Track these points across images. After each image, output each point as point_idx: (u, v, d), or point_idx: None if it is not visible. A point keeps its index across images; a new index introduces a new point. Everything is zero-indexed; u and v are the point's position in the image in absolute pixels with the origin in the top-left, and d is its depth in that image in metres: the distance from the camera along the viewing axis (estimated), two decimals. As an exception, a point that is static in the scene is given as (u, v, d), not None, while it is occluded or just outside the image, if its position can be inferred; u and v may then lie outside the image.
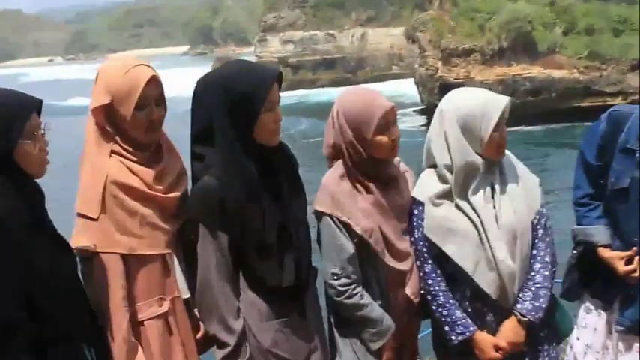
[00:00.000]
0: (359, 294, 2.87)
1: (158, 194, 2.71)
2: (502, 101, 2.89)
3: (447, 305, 2.96)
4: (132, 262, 2.65)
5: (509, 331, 2.94)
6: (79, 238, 2.62)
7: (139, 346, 2.65)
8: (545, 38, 39.63)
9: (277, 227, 2.73)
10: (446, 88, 38.92)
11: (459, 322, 2.94)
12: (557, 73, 38.19)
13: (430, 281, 2.98)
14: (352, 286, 2.86)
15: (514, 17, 39.47)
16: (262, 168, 2.73)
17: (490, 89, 3.15)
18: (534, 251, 2.98)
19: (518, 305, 2.94)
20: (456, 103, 2.94)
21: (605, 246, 3.20)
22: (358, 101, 2.91)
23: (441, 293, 2.97)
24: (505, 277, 2.89)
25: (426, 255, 2.99)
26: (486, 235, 2.88)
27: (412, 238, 3.03)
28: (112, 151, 2.65)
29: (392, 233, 2.97)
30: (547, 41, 39.45)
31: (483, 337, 2.95)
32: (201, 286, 2.72)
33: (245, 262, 2.74)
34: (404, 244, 3.01)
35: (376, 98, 2.91)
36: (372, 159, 2.91)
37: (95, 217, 2.59)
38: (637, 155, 3.03)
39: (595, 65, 37.71)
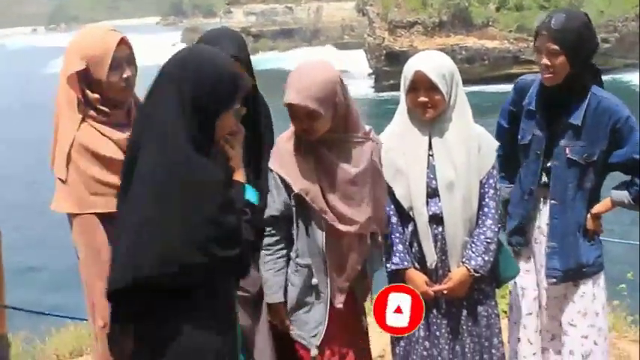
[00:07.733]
0: (278, 256, 2.75)
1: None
2: (413, 67, 2.79)
3: (392, 237, 2.88)
4: (107, 226, 2.49)
5: (457, 282, 2.85)
6: (59, 202, 2.58)
7: None
8: (479, 13, 40.62)
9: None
10: (391, 55, 39.86)
11: (397, 254, 2.88)
12: (490, 44, 39.24)
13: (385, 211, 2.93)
14: (278, 246, 2.74)
15: (453, -6, 39.90)
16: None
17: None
18: (485, 209, 2.88)
19: (472, 262, 2.84)
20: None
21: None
22: (295, 69, 2.66)
23: (390, 225, 2.89)
24: (424, 224, 2.82)
25: None
26: (408, 184, 2.84)
27: None
28: (86, 116, 2.57)
29: (333, 195, 2.66)
30: (481, 16, 40.48)
31: (415, 274, 2.88)
32: None
33: None
34: (349, 210, 2.67)
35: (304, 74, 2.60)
36: None
37: (64, 178, 2.53)
38: (537, 116, 3.11)
39: (523, 37, 38.74)
